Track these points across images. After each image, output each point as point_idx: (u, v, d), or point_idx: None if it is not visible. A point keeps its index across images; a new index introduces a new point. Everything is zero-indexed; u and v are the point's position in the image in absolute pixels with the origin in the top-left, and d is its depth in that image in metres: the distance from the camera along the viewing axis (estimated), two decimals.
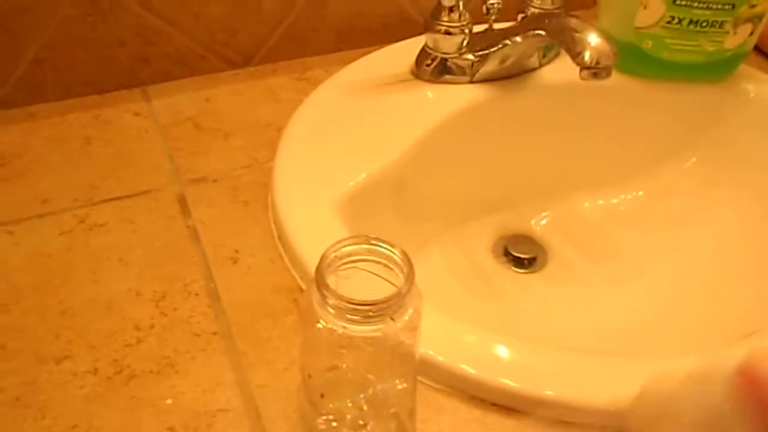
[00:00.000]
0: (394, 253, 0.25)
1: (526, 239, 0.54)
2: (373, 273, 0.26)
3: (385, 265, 0.25)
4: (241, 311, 0.36)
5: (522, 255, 0.52)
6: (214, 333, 0.35)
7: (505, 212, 0.54)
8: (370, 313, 0.23)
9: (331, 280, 0.25)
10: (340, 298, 0.23)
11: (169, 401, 0.32)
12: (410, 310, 0.24)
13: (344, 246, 0.25)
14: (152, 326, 0.35)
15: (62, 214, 0.41)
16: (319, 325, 0.25)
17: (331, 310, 0.24)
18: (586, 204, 0.54)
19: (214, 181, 0.43)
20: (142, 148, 0.45)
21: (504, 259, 0.52)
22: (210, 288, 0.37)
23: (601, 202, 0.55)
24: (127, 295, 0.37)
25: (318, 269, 0.24)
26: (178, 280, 0.37)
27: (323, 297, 0.24)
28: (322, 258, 0.25)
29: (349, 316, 0.23)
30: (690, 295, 0.49)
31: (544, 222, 0.54)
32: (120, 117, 0.48)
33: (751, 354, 0.19)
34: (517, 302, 0.50)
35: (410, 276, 0.24)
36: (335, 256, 0.25)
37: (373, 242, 0.25)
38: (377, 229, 0.35)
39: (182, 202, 0.42)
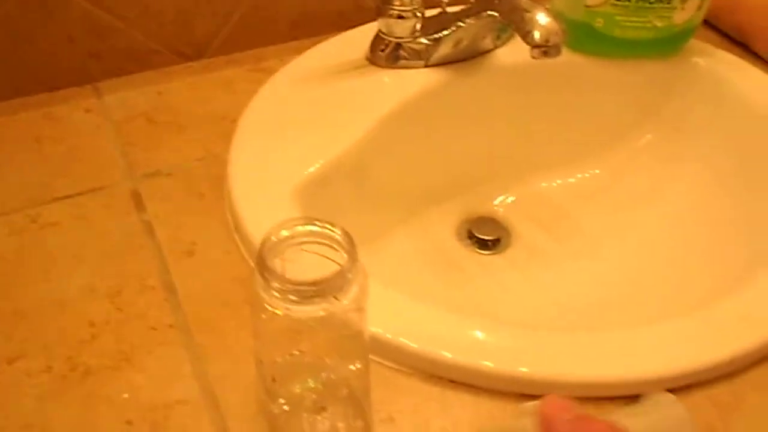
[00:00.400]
0: (335, 233, 0.25)
1: (490, 221, 0.54)
2: (318, 254, 0.26)
3: (329, 246, 0.25)
4: (199, 303, 0.36)
5: (486, 237, 0.53)
6: (171, 326, 0.35)
7: (467, 195, 0.54)
8: (312, 293, 0.23)
9: (276, 264, 0.25)
10: (282, 279, 0.23)
11: (126, 396, 0.32)
12: (355, 289, 0.24)
13: (284, 229, 0.25)
14: (107, 322, 0.35)
15: (13, 214, 0.40)
16: (266, 308, 0.25)
17: (275, 294, 0.24)
18: (544, 184, 0.55)
19: (169, 174, 0.43)
20: (95, 145, 0.45)
21: (468, 241, 0.53)
22: (166, 281, 0.37)
23: (559, 181, 0.55)
24: (81, 293, 0.36)
25: (259, 254, 0.24)
26: (134, 275, 0.37)
27: (265, 280, 0.24)
28: (263, 242, 0.25)
29: (291, 297, 0.23)
30: (651, 268, 0.49)
31: (506, 203, 0.55)
32: (71, 114, 0.47)
33: (546, 400, 0.24)
34: (482, 283, 0.50)
35: (352, 254, 0.24)
36: (276, 240, 0.25)
37: (315, 223, 0.25)
38: (337, 217, 0.35)
39: (136, 197, 0.41)
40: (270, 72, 0.50)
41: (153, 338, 0.34)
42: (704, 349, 0.34)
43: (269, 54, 0.53)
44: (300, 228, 0.25)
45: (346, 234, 0.25)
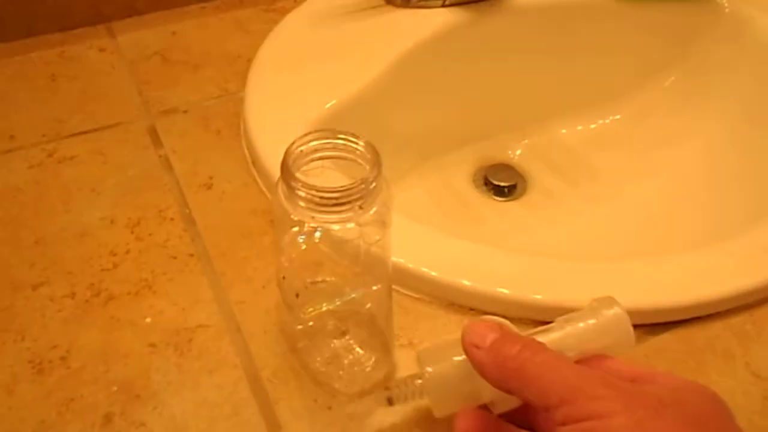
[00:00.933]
0: (358, 145, 0.24)
1: (506, 168, 0.54)
2: (340, 171, 0.26)
3: (352, 160, 0.25)
4: (218, 234, 0.36)
5: (502, 183, 0.52)
6: (191, 255, 0.35)
7: (483, 142, 0.54)
8: (338, 200, 0.23)
9: (300, 177, 0.25)
10: (307, 186, 0.23)
11: (148, 320, 0.32)
12: (378, 201, 0.24)
13: (308, 139, 0.25)
14: (128, 251, 0.35)
15: (31, 148, 0.40)
16: (291, 218, 0.25)
17: (301, 203, 0.24)
18: (564, 131, 0.54)
19: (185, 111, 0.43)
20: (110, 83, 0.44)
21: (484, 188, 0.52)
22: (185, 213, 0.37)
23: (579, 127, 0.55)
24: (101, 224, 0.36)
25: (283, 164, 0.24)
26: (153, 207, 0.37)
27: (291, 189, 0.24)
28: (287, 153, 0.24)
29: (316, 206, 0.23)
30: (672, 208, 0.49)
31: (524, 150, 0.54)
32: (85, 54, 0.47)
33: (466, 328, 0.24)
34: (498, 229, 0.50)
35: (375, 165, 0.24)
36: (301, 152, 0.25)
37: (338, 136, 0.25)
38: None
39: (153, 133, 0.41)
40: (284, 12, 0.49)
41: (174, 266, 0.34)
42: (724, 279, 0.34)
43: None
44: (324, 141, 0.25)
45: (370, 145, 0.25)
